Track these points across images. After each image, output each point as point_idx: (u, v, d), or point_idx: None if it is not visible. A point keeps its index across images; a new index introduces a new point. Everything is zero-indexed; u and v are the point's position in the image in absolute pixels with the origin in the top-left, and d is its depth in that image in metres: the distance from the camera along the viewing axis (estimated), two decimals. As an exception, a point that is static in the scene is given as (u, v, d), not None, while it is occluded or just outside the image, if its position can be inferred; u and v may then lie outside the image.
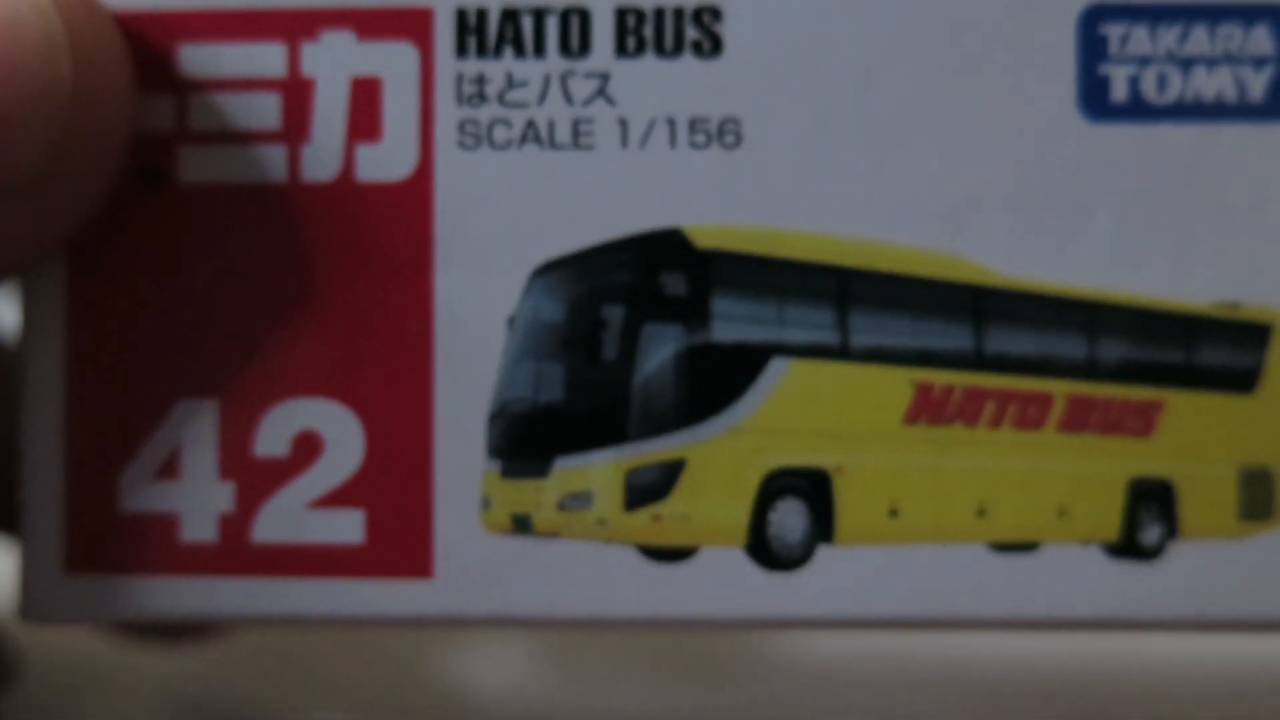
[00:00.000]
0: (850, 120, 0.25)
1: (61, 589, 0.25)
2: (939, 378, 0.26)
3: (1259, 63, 0.25)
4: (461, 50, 0.25)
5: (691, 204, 0.25)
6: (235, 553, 0.25)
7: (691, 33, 0.25)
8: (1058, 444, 0.26)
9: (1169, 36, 0.25)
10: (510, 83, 0.25)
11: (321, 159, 0.25)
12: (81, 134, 0.24)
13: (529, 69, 0.25)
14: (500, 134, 0.25)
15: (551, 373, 0.25)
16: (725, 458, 0.25)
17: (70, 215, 0.25)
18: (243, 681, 0.39)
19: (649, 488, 0.25)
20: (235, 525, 0.25)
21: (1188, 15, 0.25)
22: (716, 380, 0.25)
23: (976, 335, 0.26)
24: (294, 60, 0.25)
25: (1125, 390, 0.26)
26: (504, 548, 0.25)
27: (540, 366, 0.25)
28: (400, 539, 0.25)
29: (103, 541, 0.25)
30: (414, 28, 0.25)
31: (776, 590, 0.25)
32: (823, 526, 0.25)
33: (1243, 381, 0.26)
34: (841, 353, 0.25)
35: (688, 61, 0.25)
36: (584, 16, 0.25)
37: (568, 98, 0.25)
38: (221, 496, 0.25)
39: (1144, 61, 0.25)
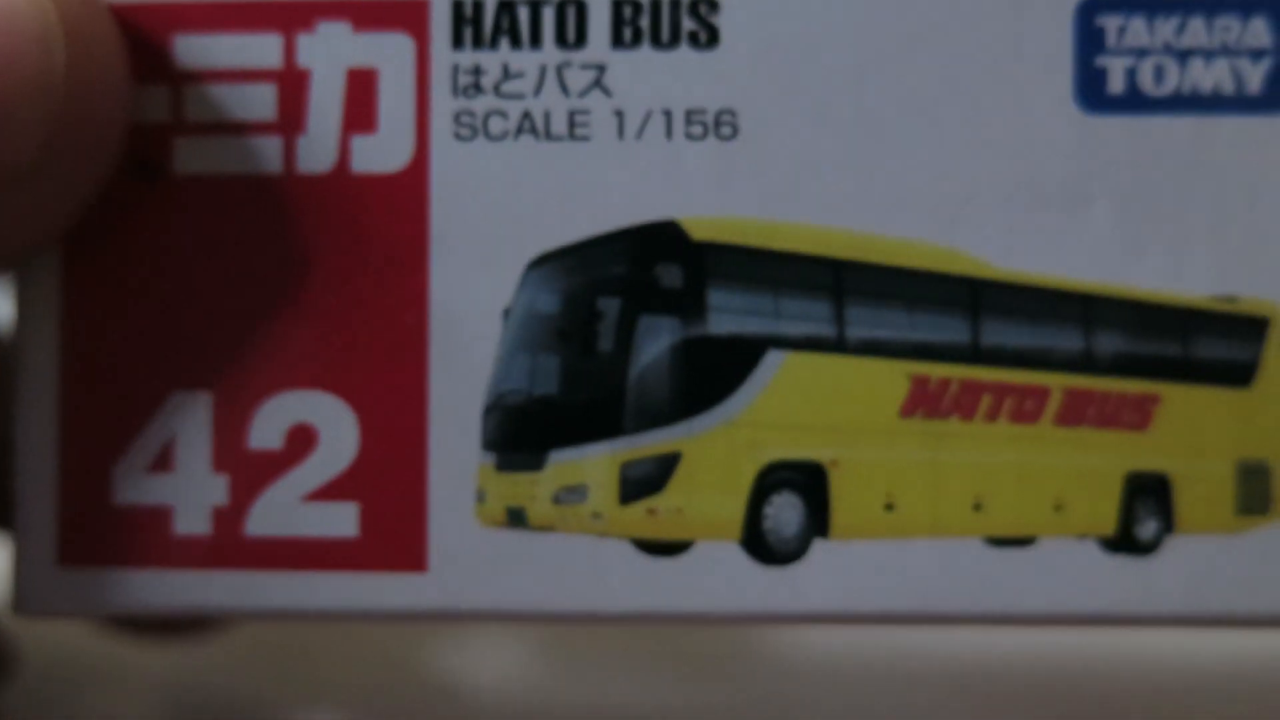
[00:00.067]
0: (847, 112, 0.25)
1: (55, 582, 0.25)
2: (935, 371, 0.26)
3: (1256, 55, 0.25)
4: (457, 41, 0.25)
5: (687, 196, 0.25)
6: (229, 546, 0.25)
7: (688, 24, 0.25)
8: (1054, 437, 0.26)
9: (1166, 28, 0.25)
10: (506, 74, 0.25)
11: (317, 150, 0.25)
12: (76, 125, 0.24)
13: (525, 60, 0.25)
14: (496, 125, 0.25)
15: (547, 365, 0.25)
16: (721, 451, 0.25)
17: (65, 207, 0.25)
18: (239, 676, 0.39)
19: (644, 481, 0.25)
20: (229, 518, 0.25)
21: (1185, 7, 0.25)
22: (712, 373, 0.25)
23: (973, 328, 0.26)
24: (289, 51, 0.25)
25: (1122, 384, 0.26)
26: (498, 541, 0.25)
27: (535, 359, 0.25)
28: (394, 532, 0.25)
29: (96, 534, 0.25)
30: (410, 19, 0.25)
31: (772, 585, 0.25)
32: (818, 521, 0.25)
33: (1240, 375, 0.26)
34: (837, 346, 0.25)
35: (684, 53, 0.25)
36: (580, 8, 0.25)
37: (564, 89, 0.25)
38: (215, 489, 0.25)
39: (1141, 53, 0.25)
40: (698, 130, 0.25)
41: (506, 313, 0.25)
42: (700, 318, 0.25)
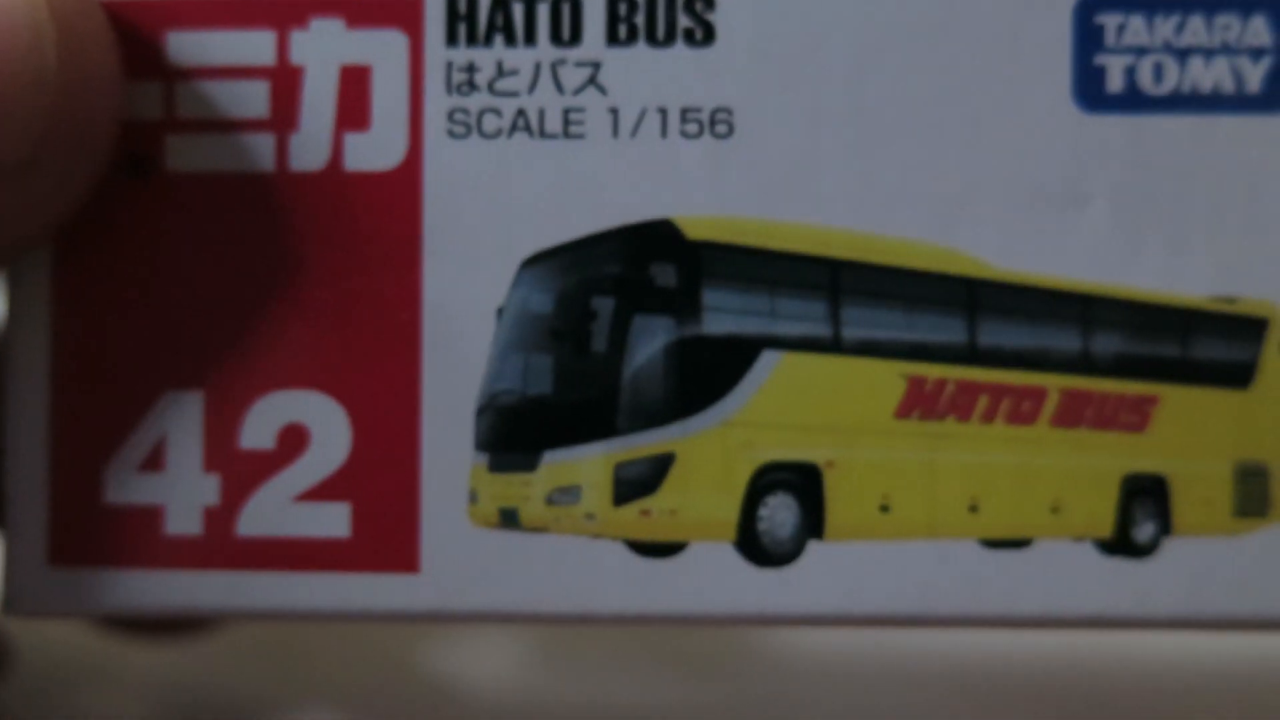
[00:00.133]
0: (843, 111, 0.25)
1: (45, 582, 0.25)
2: (932, 371, 0.25)
3: (1256, 54, 0.25)
4: (452, 38, 0.25)
5: (683, 194, 0.25)
6: (220, 546, 0.25)
7: (684, 21, 0.25)
8: (1051, 439, 0.26)
9: (1166, 27, 0.25)
10: (500, 71, 0.25)
11: (310, 148, 0.25)
12: (68, 122, 0.24)
13: (519, 57, 0.25)
14: (490, 123, 0.25)
15: (540, 365, 0.25)
16: (715, 452, 0.25)
17: (56, 204, 0.25)
18: (236, 675, 0.39)
19: (638, 482, 0.25)
20: (220, 518, 0.25)
21: (1185, 6, 0.25)
22: (707, 373, 0.25)
23: (970, 328, 0.26)
24: (283, 48, 0.25)
25: (1120, 385, 0.26)
26: (491, 542, 0.25)
27: (529, 358, 0.25)
28: (386, 533, 0.25)
29: (87, 534, 0.25)
30: (404, 15, 0.25)
31: (766, 586, 0.25)
32: (813, 522, 0.25)
33: (1239, 376, 0.26)
34: (833, 346, 0.25)
35: (680, 50, 0.25)
36: (575, 5, 0.25)
37: (558, 86, 0.25)
38: (206, 489, 0.25)
39: (1140, 52, 0.25)
40: (693, 128, 0.25)
41: (500, 312, 0.25)
42: (695, 317, 0.25)
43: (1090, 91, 0.25)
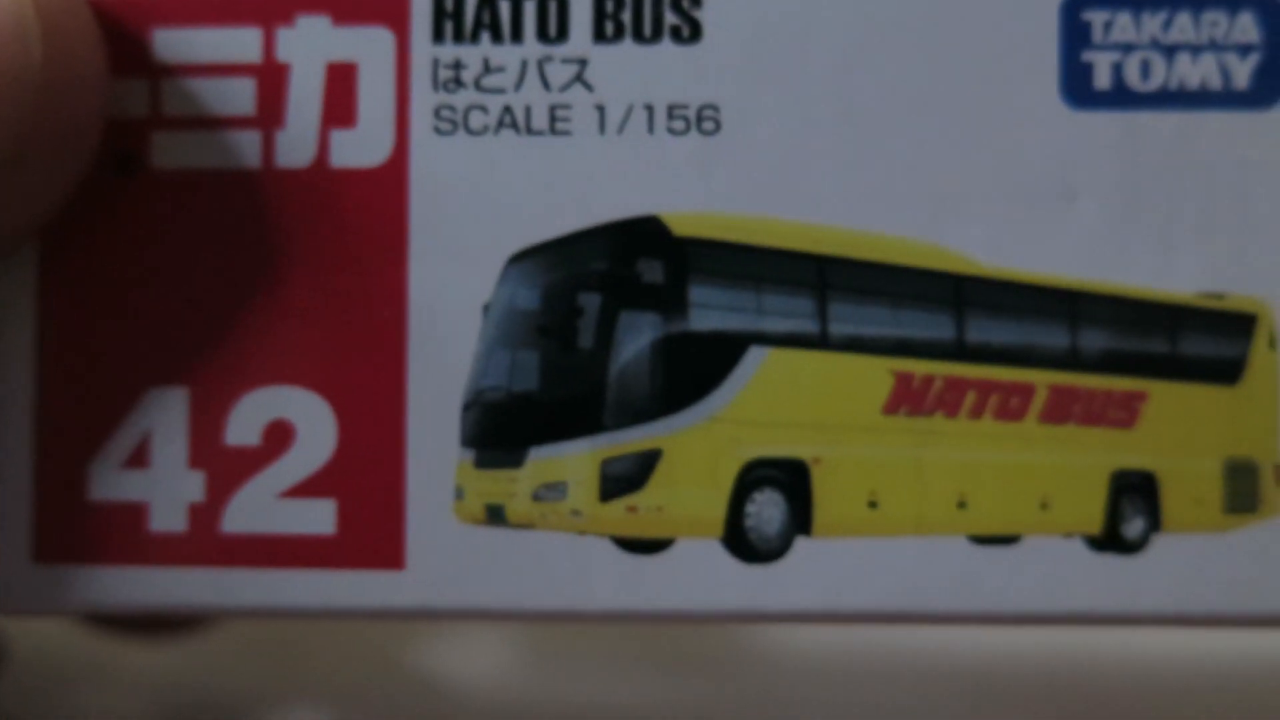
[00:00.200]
0: (830, 107, 0.25)
1: (30, 580, 0.25)
2: (919, 368, 0.25)
3: (1244, 50, 0.25)
4: (438, 35, 0.25)
5: (669, 191, 0.25)
6: (205, 543, 0.25)
7: (671, 18, 0.25)
8: (1039, 435, 0.26)
9: (1153, 23, 0.25)
10: (487, 68, 0.25)
11: (296, 145, 0.25)
12: (53, 119, 0.24)
13: (506, 54, 0.25)
14: (477, 120, 0.25)
15: (527, 361, 0.25)
16: (702, 448, 0.25)
17: (42, 201, 0.25)
18: (228, 672, 0.38)
19: (624, 478, 0.25)
20: (205, 515, 0.25)
21: (1172, 2, 0.25)
22: (694, 370, 0.25)
23: (957, 325, 0.26)
24: (269, 45, 0.25)
25: (1108, 381, 0.26)
26: (477, 539, 0.25)
27: (515, 355, 0.25)
28: (372, 530, 0.25)
29: (71, 531, 0.25)
30: (390, 12, 0.25)
31: (754, 583, 0.25)
32: (801, 518, 0.25)
33: (1227, 372, 0.26)
34: (820, 342, 0.25)
35: (666, 47, 0.25)
36: (562, 1, 0.25)
37: (545, 83, 0.25)
38: (191, 486, 0.25)
39: (1128, 48, 0.25)
40: (680, 125, 0.25)
41: (486, 308, 0.25)
42: (682, 314, 0.25)
43: (1078, 88, 0.25)
